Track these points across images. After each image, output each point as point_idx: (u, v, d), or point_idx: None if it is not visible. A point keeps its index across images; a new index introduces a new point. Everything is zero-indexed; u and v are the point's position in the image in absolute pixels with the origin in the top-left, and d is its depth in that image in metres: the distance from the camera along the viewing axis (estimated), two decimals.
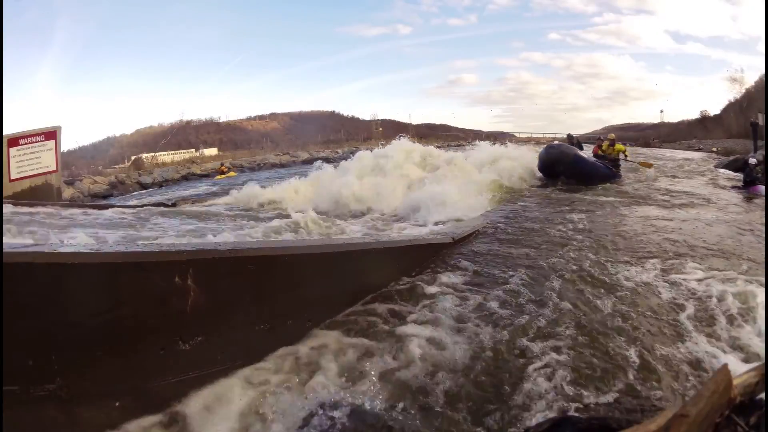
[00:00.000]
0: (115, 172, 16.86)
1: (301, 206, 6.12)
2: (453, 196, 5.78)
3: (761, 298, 2.33)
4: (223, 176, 15.02)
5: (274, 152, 24.51)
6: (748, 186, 6.64)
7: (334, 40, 57.44)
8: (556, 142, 9.00)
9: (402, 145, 9.24)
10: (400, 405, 1.61)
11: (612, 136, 9.24)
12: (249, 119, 42.38)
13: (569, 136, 11.46)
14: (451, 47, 59.60)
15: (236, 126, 40.67)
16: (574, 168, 7.59)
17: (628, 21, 52.88)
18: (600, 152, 8.71)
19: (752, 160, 7.03)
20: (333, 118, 43.30)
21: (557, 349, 1.96)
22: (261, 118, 42.99)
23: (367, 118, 42.73)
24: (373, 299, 2.44)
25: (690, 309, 2.35)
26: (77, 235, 4.12)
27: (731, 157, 11.18)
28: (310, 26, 57.41)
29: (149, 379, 1.53)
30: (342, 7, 55.24)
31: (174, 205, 7.52)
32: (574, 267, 2.98)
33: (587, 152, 8.94)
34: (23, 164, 8.72)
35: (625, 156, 8.86)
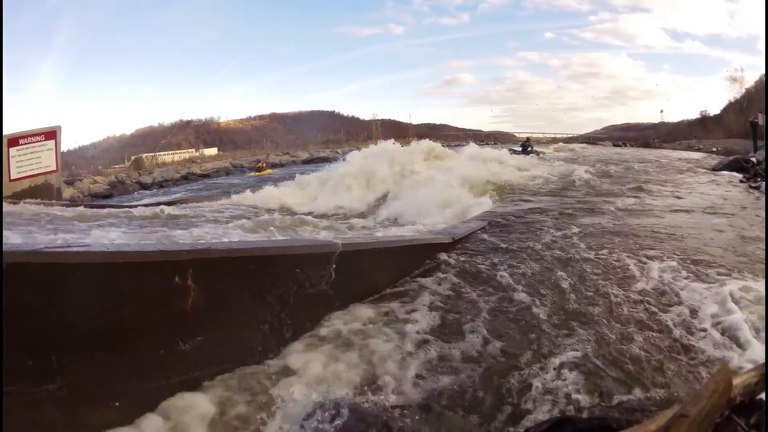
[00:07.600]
0: (115, 172, 16.90)
1: None
2: None
3: (761, 297, 2.33)
4: (260, 173, 15.31)
5: (275, 152, 24.58)
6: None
7: (329, 42, 57.84)
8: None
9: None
10: (400, 405, 1.61)
11: None
12: (249, 119, 42.42)
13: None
14: (446, 47, 59.87)
15: (236, 126, 40.68)
16: None
17: (624, 19, 53.07)
18: None
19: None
20: (333, 118, 43.38)
21: (558, 349, 1.96)
22: (261, 118, 43.02)
23: (368, 118, 42.84)
24: (374, 299, 2.44)
25: (691, 310, 2.35)
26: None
27: (731, 157, 11.18)
28: (303, 28, 58.13)
29: (149, 379, 1.53)
30: (333, 10, 55.92)
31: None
32: (577, 268, 2.98)
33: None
34: (23, 164, 8.72)
35: None
